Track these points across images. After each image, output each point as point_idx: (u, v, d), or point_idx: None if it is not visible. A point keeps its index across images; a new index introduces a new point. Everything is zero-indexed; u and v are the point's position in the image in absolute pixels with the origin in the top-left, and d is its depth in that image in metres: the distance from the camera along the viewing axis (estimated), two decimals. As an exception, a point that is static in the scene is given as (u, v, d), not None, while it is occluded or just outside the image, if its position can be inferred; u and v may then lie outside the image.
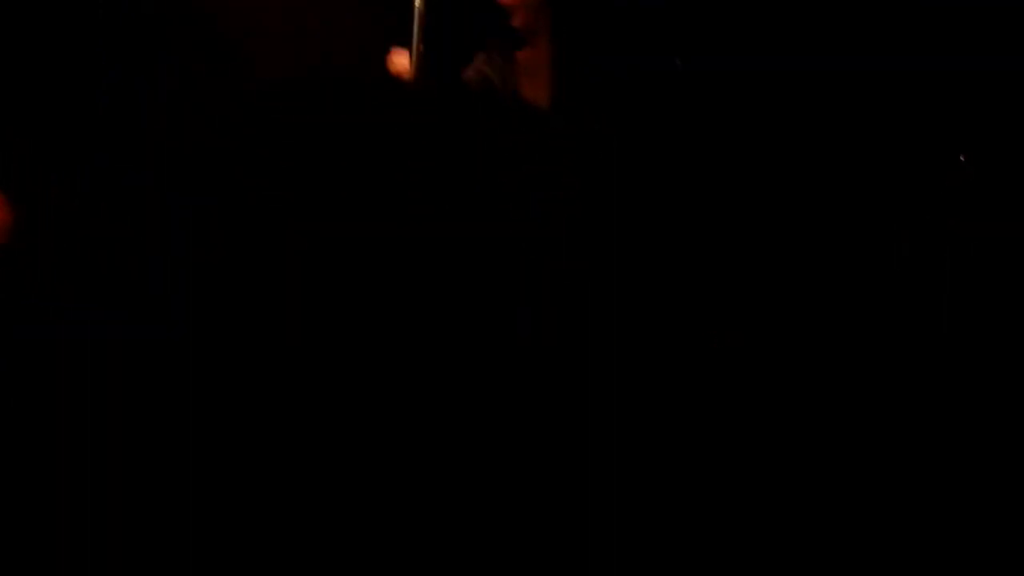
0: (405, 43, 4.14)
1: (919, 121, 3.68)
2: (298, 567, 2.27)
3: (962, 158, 3.58)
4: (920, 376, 2.94)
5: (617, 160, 2.61)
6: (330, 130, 4.24)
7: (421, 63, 4.02)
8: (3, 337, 4.93)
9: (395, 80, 4.08)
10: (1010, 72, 3.69)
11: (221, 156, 4.84)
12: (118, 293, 4.97)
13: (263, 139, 4.37)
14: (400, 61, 4.12)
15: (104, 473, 3.72)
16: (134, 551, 3.07)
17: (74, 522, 3.40)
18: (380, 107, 4.19)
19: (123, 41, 5.11)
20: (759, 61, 3.65)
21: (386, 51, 4.28)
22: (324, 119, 4.31)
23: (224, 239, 4.26)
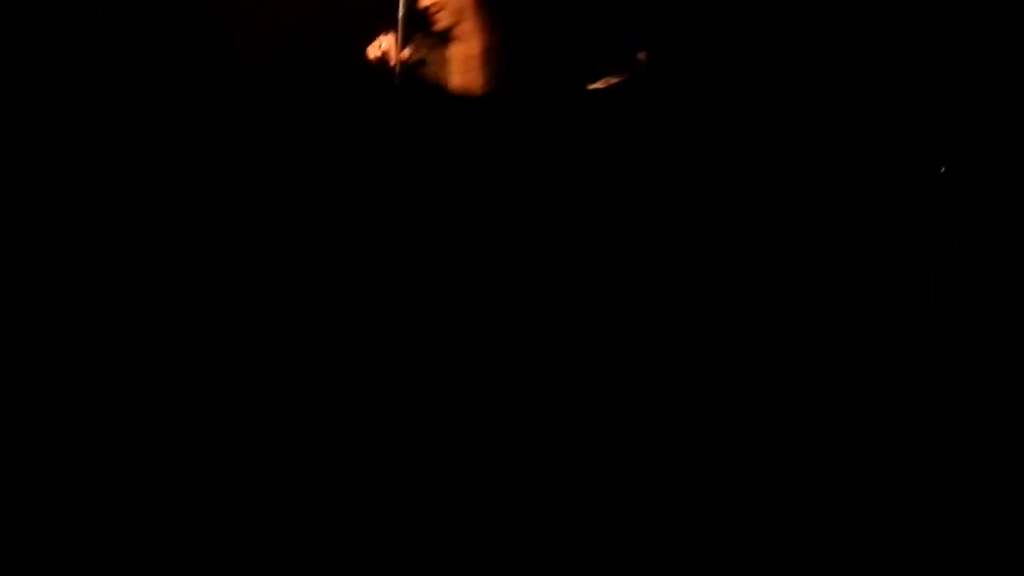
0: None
1: (904, 100, 3.68)
2: (297, 564, 2.27)
3: (943, 170, 3.58)
4: (907, 353, 2.94)
5: (602, 144, 2.59)
6: (327, 129, 4.23)
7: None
8: (3, 337, 4.93)
9: (375, 69, 4.03)
10: (994, 53, 3.68)
11: (221, 156, 4.83)
12: (118, 293, 4.97)
13: (263, 139, 4.36)
14: (386, 47, 4.05)
15: (104, 473, 3.72)
16: (134, 550, 3.07)
17: (74, 521, 3.40)
18: (374, 106, 4.19)
19: (123, 41, 5.10)
20: (740, 42, 3.63)
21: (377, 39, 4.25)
22: (322, 118, 4.30)
23: (224, 239, 4.25)
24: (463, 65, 4.05)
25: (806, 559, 1.81)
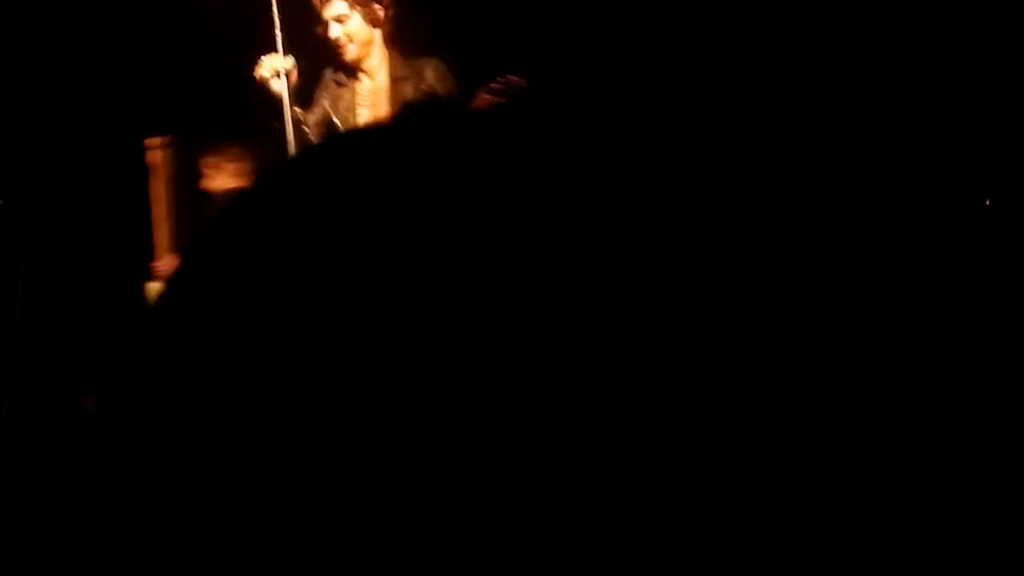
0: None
1: (897, 101, 3.67)
2: (297, 567, 2.28)
3: (987, 202, 3.58)
4: (901, 352, 2.95)
5: (592, 145, 2.59)
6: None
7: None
8: (3, 337, 4.93)
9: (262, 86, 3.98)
10: (987, 55, 3.68)
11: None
12: (118, 293, 4.97)
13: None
14: (271, 67, 3.98)
15: (104, 474, 3.72)
16: (134, 552, 3.07)
17: (73, 523, 3.39)
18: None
19: (123, 41, 5.09)
20: (728, 43, 3.62)
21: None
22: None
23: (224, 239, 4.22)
24: (371, 98, 4.04)
25: (802, 561, 1.82)
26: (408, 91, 3.96)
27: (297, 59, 4.00)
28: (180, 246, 4.83)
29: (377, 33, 4.00)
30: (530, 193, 0.96)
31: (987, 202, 3.56)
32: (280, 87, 4.00)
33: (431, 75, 3.94)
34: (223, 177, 4.89)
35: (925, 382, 3.11)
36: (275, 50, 3.98)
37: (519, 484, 1.09)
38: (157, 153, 4.95)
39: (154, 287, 4.91)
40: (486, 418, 1.08)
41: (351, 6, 3.95)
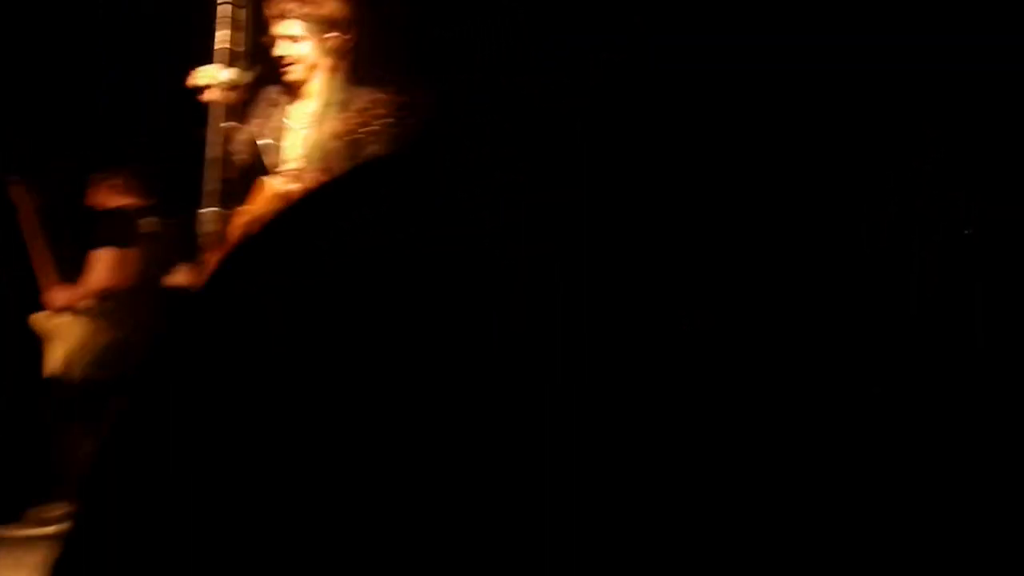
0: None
1: (886, 103, 3.71)
2: (294, 569, 2.32)
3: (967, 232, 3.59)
4: (890, 356, 2.99)
5: (580, 148, 2.61)
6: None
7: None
8: (6, 336, 4.96)
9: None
10: (977, 56, 3.71)
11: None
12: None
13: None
14: (207, 76, 3.91)
15: (103, 476, 3.75)
16: (132, 551, 3.11)
17: (71, 522, 3.43)
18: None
19: (123, 41, 5.13)
20: (716, 45, 3.63)
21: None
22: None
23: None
24: (300, 120, 3.93)
25: (788, 560, 1.86)
26: (333, 117, 3.86)
27: (260, 72, 3.96)
28: (66, 272, 4.85)
29: (327, 60, 3.90)
30: (519, 196, 1.00)
31: (967, 232, 3.59)
32: (213, 98, 3.94)
33: (358, 104, 3.81)
34: (103, 194, 4.93)
35: (914, 385, 3.13)
36: (220, 60, 3.94)
37: (509, 483, 1.11)
38: (19, 188, 4.98)
39: (40, 317, 4.90)
40: (477, 417, 1.11)
41: (308, 30, 3.86)
